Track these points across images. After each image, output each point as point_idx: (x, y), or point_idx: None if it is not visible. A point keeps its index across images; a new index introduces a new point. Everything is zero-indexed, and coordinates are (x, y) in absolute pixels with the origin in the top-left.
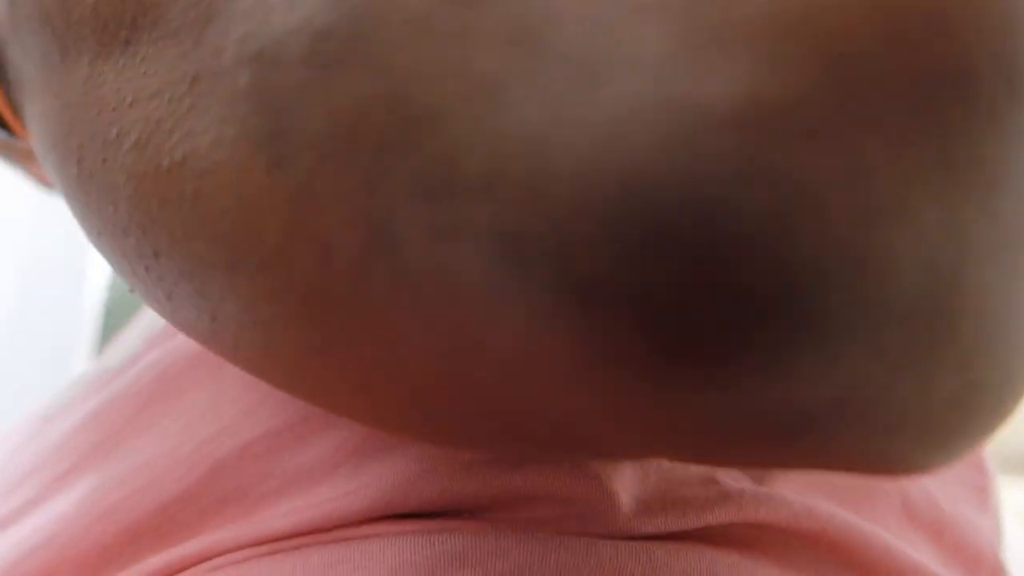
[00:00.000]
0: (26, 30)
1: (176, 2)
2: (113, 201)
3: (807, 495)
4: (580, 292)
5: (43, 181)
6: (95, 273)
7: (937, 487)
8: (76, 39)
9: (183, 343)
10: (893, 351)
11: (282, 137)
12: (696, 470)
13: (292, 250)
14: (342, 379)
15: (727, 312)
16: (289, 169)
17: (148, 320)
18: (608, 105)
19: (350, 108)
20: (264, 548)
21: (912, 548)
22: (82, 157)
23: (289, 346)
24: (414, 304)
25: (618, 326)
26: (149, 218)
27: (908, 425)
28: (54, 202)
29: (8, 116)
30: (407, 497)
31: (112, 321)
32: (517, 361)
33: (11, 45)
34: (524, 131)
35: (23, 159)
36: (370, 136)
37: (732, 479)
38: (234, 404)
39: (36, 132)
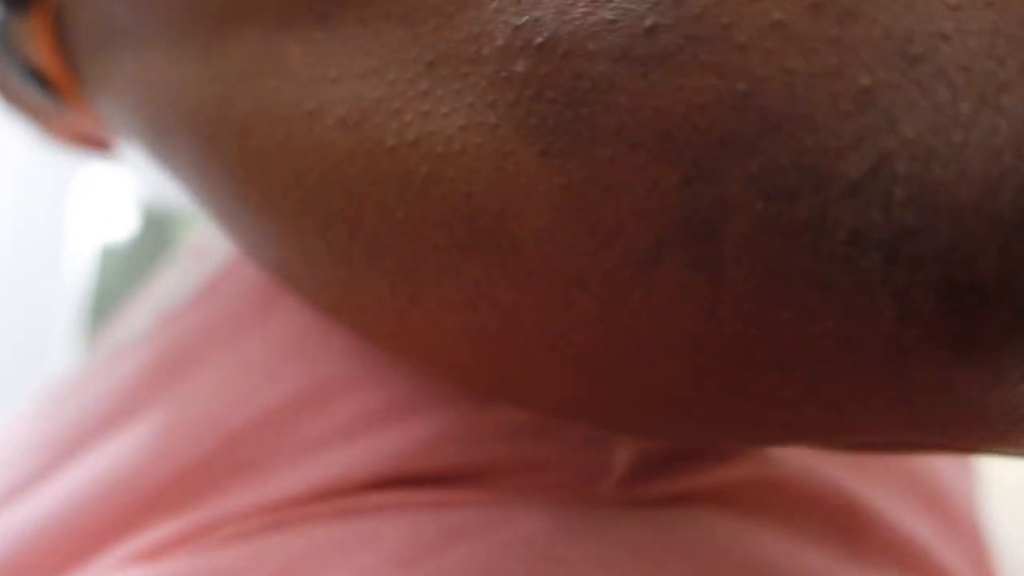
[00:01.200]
0: None
1: None
2: (297, 175)
3: (812, 458)
4: (962, 291)
5: (73, 139)
6: (75, 258)
7: (937, 458)
8: (245, 8)
9: (200, 318)
10: None
11: (567, 127)
12: None
13: (560, 237)
14: (570, 371)
15: None
16: (571, 159)
17: (158, 298)
18: (1003, 122)
19: (678, 106)
20: (270, 518)
21: (910, 518)
22: (249, 129)
23: (512, 334)
24: (711, 295)
25: (995, 324)
26: (353, 196)
27: None
28: (35, 185)
29: (63, 81)
30: (420, 461)
31: (102, 304)
32: (832, 357)
33: (90, 8)
34: (906, 141)
35: (55, 123)
36: (704, 133)
37: None
38: (252, 372)
39: (137, 98)
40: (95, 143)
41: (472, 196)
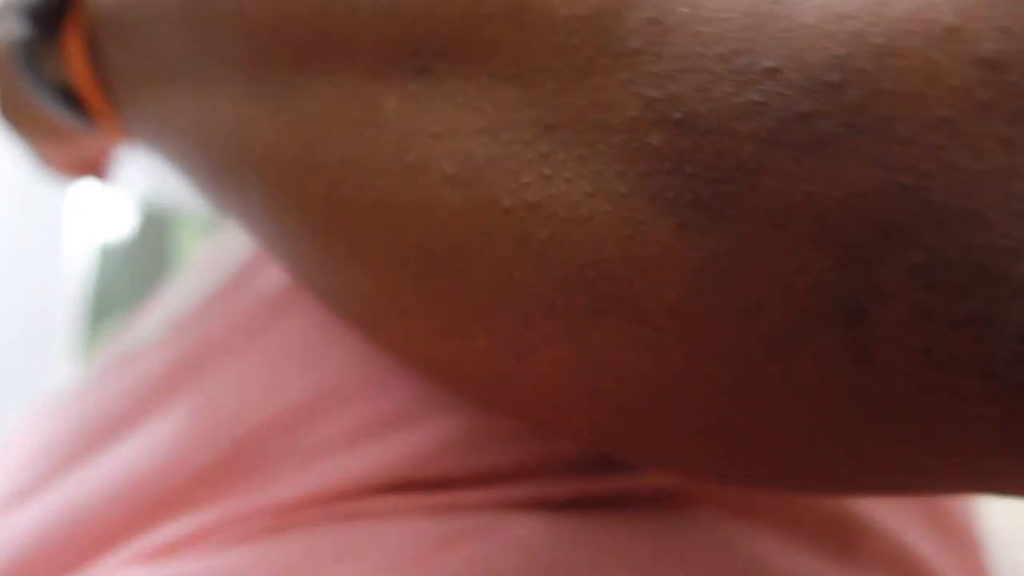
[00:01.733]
0: (224, 31)
1: (522, 45)
2: (395, 229)
3: None
4: None
5: (64, 169)
6: (74, 258)
7: None
8: (332, 56)
9: (209, 327)
10: None
11: (708, 202)
12: None
13: (695, 309)
14: (693, 435)
15: None
16: (711, 234)
17: (167, 307)
18: None
19: (835, 191)
20: (272, 520)
21: (905, 526)
22: (338, 178)
23: (633, 399)
24: (858, 374)
25: None
26: (460, 253)
27: None
28: (34, 184)
29: (96, 100)
30: (423, 467)
31: (100, 304)
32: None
33: (139, 36)
34: None
35: (65, 143)
36: (862, 220)
37: None
38: (260, 379)
39: (193, 134)
40: (94, 170)
41: (599, 263)
